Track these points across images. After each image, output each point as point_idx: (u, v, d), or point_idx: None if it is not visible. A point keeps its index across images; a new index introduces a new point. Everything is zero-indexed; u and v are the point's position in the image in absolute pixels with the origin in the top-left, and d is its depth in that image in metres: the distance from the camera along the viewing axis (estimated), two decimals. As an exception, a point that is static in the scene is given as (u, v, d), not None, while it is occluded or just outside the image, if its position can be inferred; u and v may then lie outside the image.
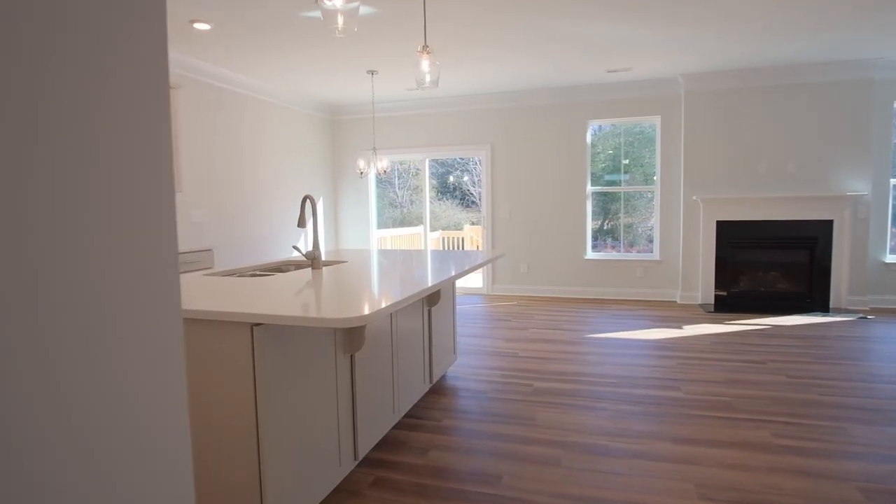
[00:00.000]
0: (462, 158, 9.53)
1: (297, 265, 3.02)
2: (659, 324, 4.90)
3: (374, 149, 5.45)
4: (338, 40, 4.34)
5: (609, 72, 5.53)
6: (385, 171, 5.44)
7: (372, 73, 5.32)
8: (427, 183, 7.08)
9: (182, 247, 4.09)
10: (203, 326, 1.55)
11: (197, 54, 4.64)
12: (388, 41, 4.37)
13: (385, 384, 2.41)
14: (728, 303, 5.67)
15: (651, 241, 6.36)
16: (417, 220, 7.36)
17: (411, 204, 10.36)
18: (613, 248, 6.57)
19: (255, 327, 1.49)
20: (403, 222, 8.55)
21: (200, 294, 1.80)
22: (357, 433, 2.11)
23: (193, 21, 3.85)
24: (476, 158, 7.95)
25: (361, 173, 5.49)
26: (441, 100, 6.69)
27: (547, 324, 5.01)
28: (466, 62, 5.04)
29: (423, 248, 7.46)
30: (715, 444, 2.44)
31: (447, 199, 10.94)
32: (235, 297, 1.70)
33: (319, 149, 7.04)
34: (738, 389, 3.15)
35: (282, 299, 1.65)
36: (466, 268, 2.52)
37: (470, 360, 3.85)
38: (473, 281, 7.17)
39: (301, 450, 1.73)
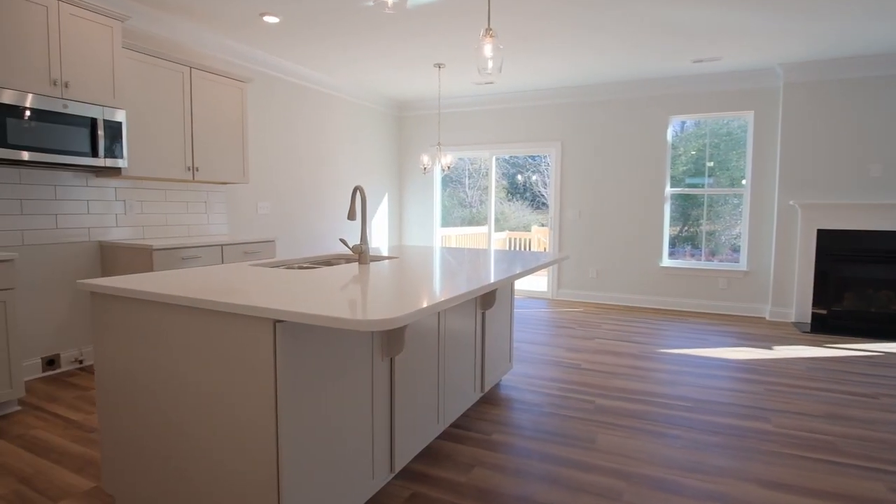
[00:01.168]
0: (533, 158, 9.21)
1: (348, 259, 2.92)
2: (744, 342, 4.38)
3: (439, 144, 5.31)
4: (405, 32, 4.23)
5: (695, 62, 5.04)
6: (449, 167, 5.29)
7: (439, 66, 5.18)
8: (493, 181, 6.86)
9: (248, 237, 4.15)
10: (225, 319, 1.45)
11: (265, 47, 4.72)
12: (456, 32, 4.20)
13: (429, 391, 2.24)
14: (828, 323, 4.99)
15: (736, 250, 5.75)
16: (486, 221, 7.17)
17: (481, 204, 10.18)
18: (693, 255, 6.02)
19: (277, 324, 1.36)
20: (472, 222, 8.41)
21: (236, 284, 1.71)
22: (394, 443, 1.95)
23: (263, 14, 3.88)
24: (545, 156, 7.63)
25: (425, 169, 5.38)
26: (509, 95, 6.44)
27: (615, 334, 4.63)
28: (535, 55, 4.77)
29: (487, 248, 7.24)
30: (814, 494, 2.05)
31: (517, 200, 10.65)
32: (267, 290, 1.59)
33: (385, 144, 7.03)
34: (843, 427, 2.68)
35: (313, 295, 1.52)
36: (523, 269, 2.29)
37: (527, 369, 3.59)
38: (537, 284, 6.86)
39: (328, 458, 1.59)
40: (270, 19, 3.97)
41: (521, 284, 6.96)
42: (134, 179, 3.84)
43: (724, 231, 5.88)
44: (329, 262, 2.87)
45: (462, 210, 8.39)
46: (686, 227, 6.09)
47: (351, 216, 2.41)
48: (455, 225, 8.00)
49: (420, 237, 7.37)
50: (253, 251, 4.16)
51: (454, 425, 2.65)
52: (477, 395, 2.81)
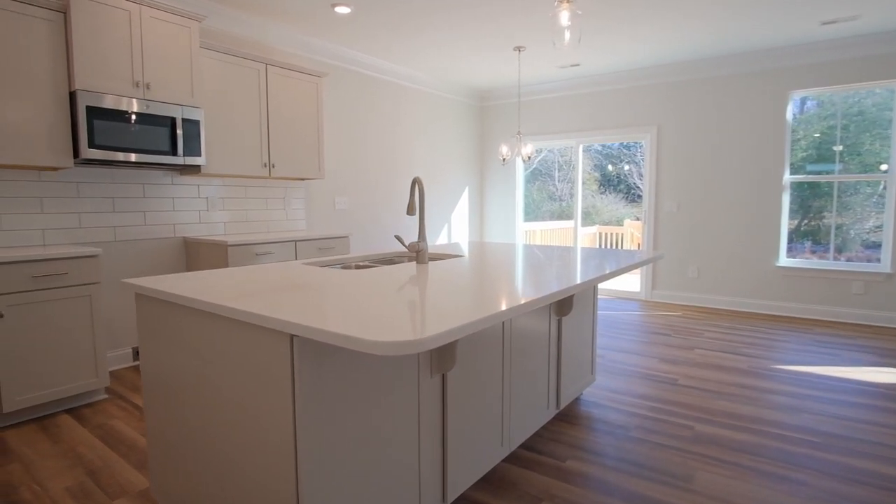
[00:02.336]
0: (628, 148, 8.52)
1: (411, 257, 2.73)
2: (890, 360, 3.61)
3: (519, 133, 4.98)
4: (482, 13, 3.95)
5: (824, 24, 4.24)
6: (529, 157, 4.94)
7: (519, 49, 4.84)
8: (580, 172, 6.37)
9: (325, 233, 4.13)
10: (242, 328, 1.29)
11: (338, 40, 4.66)
12: (537, 10, 3.85)
13: (490, 410, 1.97)
14: None
15: (871, 247, 4.81)
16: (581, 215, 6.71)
17: (570, 197, 9.71)
18: (815, 253, 5.14)
19: (295, 338, 1.16)
20: (562, 216, 7.97)
21: (271, 286, 1.56)
22: (447, 470, 1.71)
23: (335, 5, 3.80)
24: (639, 143, 6.97)
25: (504, 160, 5.07)
26: (595, 77, 5.91)
27: (719, 344, 4.04)
28: (626, 28, 4.26)
29: (573, 244, 6.78)
30: None
31: (610, 193, 9.97)
32: (298, 296, 1.42)
33: (464, 136, 6.80)
34: None
35: (343, 303, 1.31)
36: (600, 274, 1.94)
37: (612, 383, 3.19)
38: (629, 283, 6.29)
39: (362, 484, 1.38)
40: (342, 10, 3.88)
41: (608, 283, 6.42)
42: (216, 177, 3.95)
43: (853, 224, 4.95)
44: (391, 260, 2.70)
45: (551, 203, 7.98)
46: (807, 221, 5.22)
47: (410, 211, 2.20)
48: (544, 219, 7.60)
49: (502, 232, 7.07)
50: (327, 247, 4.13)
51: (524, 446, 2.36)
52: (551, 413, 2.49)
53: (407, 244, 2.14)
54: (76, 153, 2.93)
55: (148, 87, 3.16)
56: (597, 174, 9.26)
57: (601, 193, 9.88)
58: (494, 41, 4.65)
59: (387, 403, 1.45)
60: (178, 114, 3.30)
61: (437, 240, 6.41)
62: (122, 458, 2.28)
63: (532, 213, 7.31)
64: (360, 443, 1.36)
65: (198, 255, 3.72)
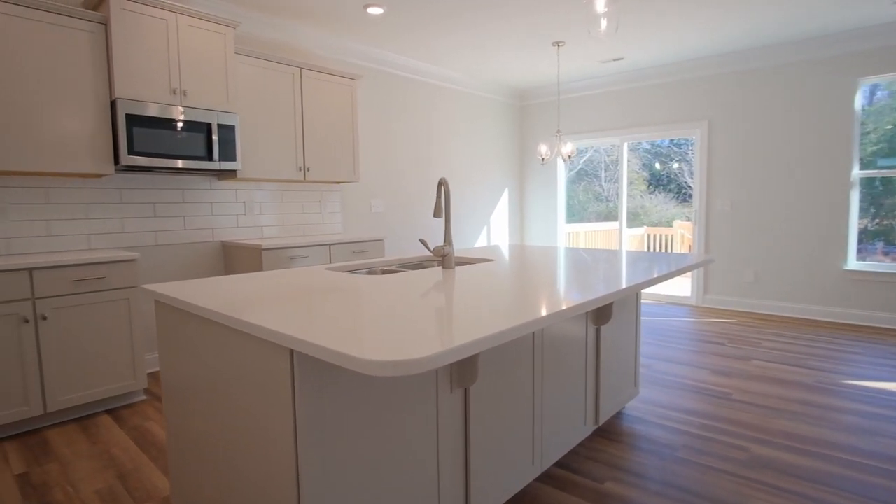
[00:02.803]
0: (679, 146, 8.12)
1: (458, 261, 2.62)
2: (981, 377, 3.20)
3: (559, 131, 4.78)
4: (518, 8, 3.81)
5: (903, 3, 3.84)
6: (570, 157, 4.74)
7: (558, 44, 4.66)
8: (625, 171, 6.09)
9: (360, 236, 4.10)
10: (244, 339, 1.22)
11: (371, 41, 4.63)
12: (575, 1, 3.68)
13: (520, 426, 1.83)
14: None
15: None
16: (628, 215, 6.44)
17: (617, 197, 9.41)
18: (889, 255, 4.67)
19: (295, 351, 1.08)
20: (609, 217, 7.68)
21: (289, 292, 1.50)
22: (470, 492, 1.60)
23: (367, 6, 3.76)
24: (689, 140, 6.61)
25: (543, 160, 4.89)
26: (640, 71, 5.63)
27: (779, 355, 3.72)
28: (672, 18, 4.01)
29: (618, 246, 6.50)
30: None
31: (660, 192, 9.53)
32: (304, 305, 1.34)
33: (503, 136, 6.65)
34: None
35: (350, 313, 1.23)
36: (635, 282, 1.77)
37: (658, 395, 2.97)
38: (679, 287, 5.96)
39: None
40: (374, 10, 3.84)
41: (656, 287, 6.10)
42: (252, 181, 3.99)
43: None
44: (420, 264, 2.60)
45: (597, 204, 7.70)
46: (879, 220, 4.74)
47: (437, 213, 2.10)
48: (590, 220, 7.33)
49: (543, 235, 6.87)
50: (361, 250, 4.09)
51: (559, 464, 2.20)
52: (589, 429, 2.33)
53: (432, 248, 2.04)
54: (116, 160, 3.00)
55: (185, 94, 3.22)
56: (645, 173, 8.87)
57: (650, 193, 9.46)
58: (531, 37, 4.49)
59: (401, 421, 1.35)
60: (214, 119, 3.34)
61: (476, 243, 6.29)
62: (153, 461, 2.29)
63: (578, 215, 7.07)
64: (370, 462, 1.27)
65: (235, 259, 3.76)
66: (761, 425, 2.56)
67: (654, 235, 8.55)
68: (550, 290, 1.55)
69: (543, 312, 1.22)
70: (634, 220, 8.49)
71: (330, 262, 3.88)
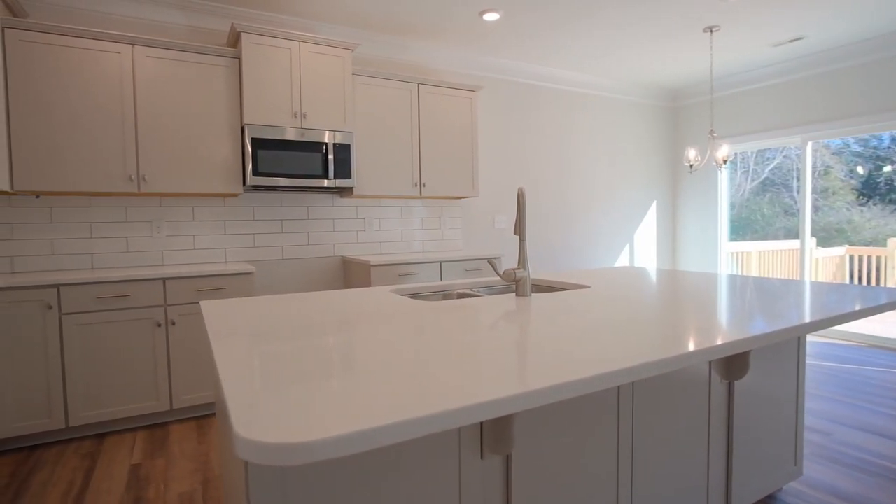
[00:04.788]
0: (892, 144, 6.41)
1: (545, 286, 2.28)
2: None
3: (713, 132, 4.02)
4: (650, -7, 3.30)
5: None
6: (725, 161, 3.95)
7: (711, 29, 3.94)
8: (808, 176, 4.94)
9: (475, 254, 3.92)
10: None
11: (489, 50, 4.43)
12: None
13: (597, 507, 1.42)
14: None
15: None
16: (823, 231, 5.24)
17: (816, 211, 7.85)
18: None
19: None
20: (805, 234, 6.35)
21: (320, 320, 1.35)
22: (512, 587, 1.25)
23: (483, 12, 3.59)
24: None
25: (691, 166, 4.16)
26: (828, 53, 4.50)
27: None
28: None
29: (799, 269, 5.27)
30: None
31: (875, 204, 7.64)
32: (319, 343, 1.17)
33: (649, 142, 5.90)
34: None
35: (340, 355, 1.01)
36: (798, 322, 1.24)
37: (836, 479, 2.19)
38: (881, 327, 4.58)
39: None
40: (491, 16, 3.65)
41: (847, 324, 4.77)
42: (371, 198, 4.07)
43: None
44: (510, 288, 2.29)
45: (787, 219, 6.40)
46: None
47: (516, 230, 1.80)
48: (779, 237, 6.12)
49: (699, 255, 5.91)
50: (474, 268, 3.89)
51: (664, 557, 1.69)
52: (714, 515, 1.76)
53: (502, 271, 1.73)
54: (244, 181, 3.27)
55: (304, 117, 3.39)
56: (853, 180, 7.15)
57: (860, 205, 7.60)
58: (677, 25, 3.86)
59: (409, 495, 1.08)
60: (330, 139, 3.46)
61: (615, 263, 5.65)
62: (237, 472, 2.34)
63: (761, 231, 5.93)
64: (358, 540, 1.03)
65: (352, 273, 3.85)
66: None
67: (859, 257, 6.79)
68: (639, 333, 1.14)
69: (592, 372, 0.86)
70: (838, 237, 6.85)
71: (440, 279, 3.74)
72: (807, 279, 2.68)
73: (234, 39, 3.30)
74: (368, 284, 3.52)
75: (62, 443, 2.68)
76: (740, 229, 5.84)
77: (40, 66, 2.78)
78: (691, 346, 1.04)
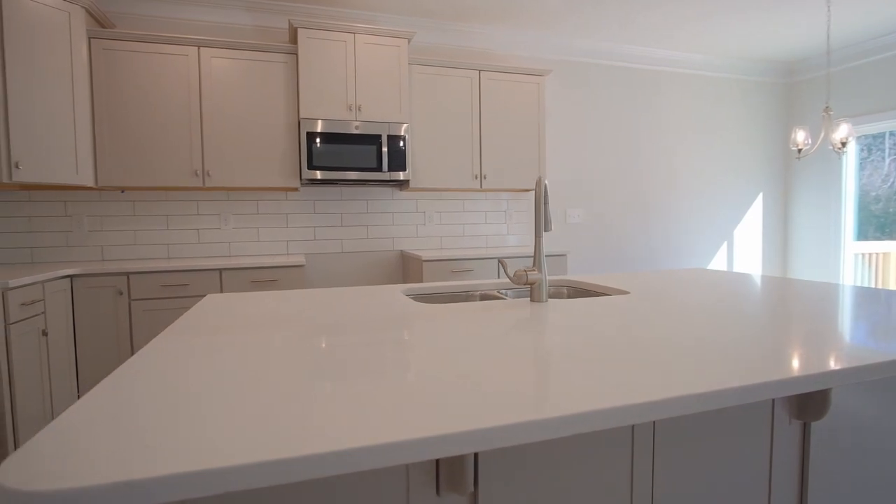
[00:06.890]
0: None
1: (581, 290, 2.03)
2: None
3: (827, 109, 3.37)
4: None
5: None
6: (844, 144, 3.30)
7: (828, -11, 3.30)
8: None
9: (548, 250, 3.68)
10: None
11: (559, 30, 4.09)
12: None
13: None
14: None
15: None
16: None
17: None
18: None
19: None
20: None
21: (306, 325, 1.26)
22: None
23: (547, -10, 3.31)
24: None
25: (799, 151, 3.53)
26: None
27: None
28: None
29: (948, 278, 4.31)
30: None
31: None
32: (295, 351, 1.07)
33: (753, 125, 5.16)
34: None
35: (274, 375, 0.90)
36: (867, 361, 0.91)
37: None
38: None
39: None
40: (556, -7, 3.35)
41: None
42: (432, 192, 3.96)
43: None
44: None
45: None
46: None
47: (546, 226, 1.59)
48: None
49: (816, 257, 5.09)
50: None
51: None
52: (778, 584, 1.41)
53: (512, 273, 1.52)
54: (300, 175, 3.31)
55: (359, 109, 3.36)
56: None
57: None
58: (784, -14, 3.28)
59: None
60: (385, 131, 3.40)
61: (710, 264, 5.04)
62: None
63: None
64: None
65: (408, 268, 3.79)
66: None
67: None
68: (663, 357, 0.90)
69: (581, 409, 0.66)
70: None
71: (498, 278, 3.55)
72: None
73: (293, 35, 3.35)
74: (421, 280, 3.43)
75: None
76: (887, 226, 4.89)
77: (120, 71, 3.01)
78: (721, 383, 0.78)
